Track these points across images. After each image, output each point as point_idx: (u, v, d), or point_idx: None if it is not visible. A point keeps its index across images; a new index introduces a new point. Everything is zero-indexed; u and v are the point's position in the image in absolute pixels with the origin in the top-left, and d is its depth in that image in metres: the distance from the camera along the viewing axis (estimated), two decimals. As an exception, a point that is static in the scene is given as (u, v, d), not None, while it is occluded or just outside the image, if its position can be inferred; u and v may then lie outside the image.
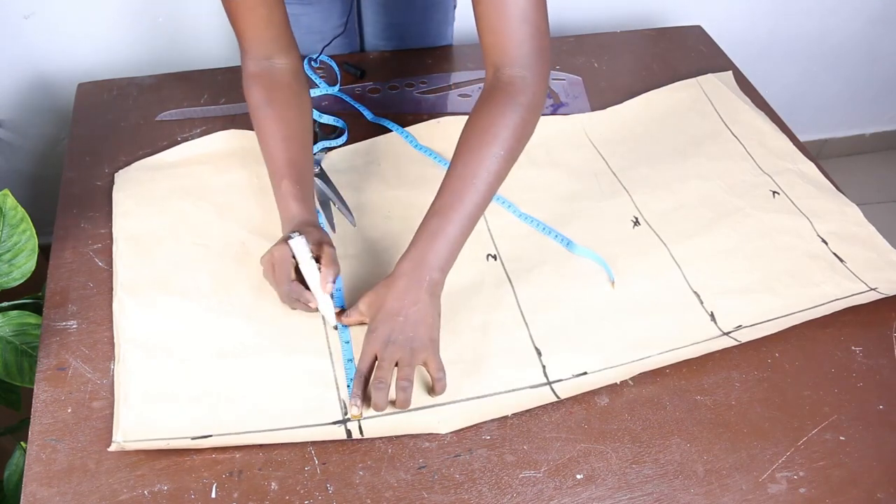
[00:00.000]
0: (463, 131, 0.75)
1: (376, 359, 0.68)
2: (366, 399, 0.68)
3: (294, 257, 0.73)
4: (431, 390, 0.70)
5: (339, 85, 1.06)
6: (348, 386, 0.70)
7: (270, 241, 0.82)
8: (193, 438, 0.66)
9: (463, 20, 1.18)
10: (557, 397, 0.71)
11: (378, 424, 0.68)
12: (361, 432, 0.67)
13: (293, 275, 0.74)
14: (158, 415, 0.67)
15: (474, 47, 1.18)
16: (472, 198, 0.72)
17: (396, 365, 0.68)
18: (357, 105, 1.04)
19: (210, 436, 0.66)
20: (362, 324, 0.74)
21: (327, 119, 0.99)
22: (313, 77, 1.07)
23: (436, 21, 1.15)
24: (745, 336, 0.77)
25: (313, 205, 0.80)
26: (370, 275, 0.81)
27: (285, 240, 0.74)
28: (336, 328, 0.75)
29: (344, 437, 0.67)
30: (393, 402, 0.68)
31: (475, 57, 1.15)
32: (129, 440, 0.65)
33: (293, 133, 0.82)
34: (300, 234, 0.73)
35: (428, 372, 0.70)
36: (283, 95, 0.83)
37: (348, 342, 0.74)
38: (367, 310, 0.72)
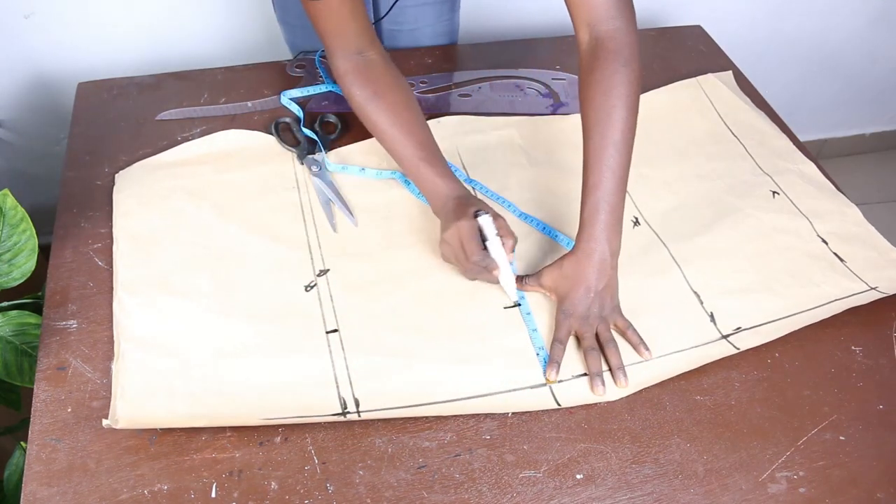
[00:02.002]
0: (583, 102, 0.78)
1: (572, 332, 0.75)
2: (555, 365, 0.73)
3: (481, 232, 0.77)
4: (636, 348, 0.75)
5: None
6: (538, 354, 0.75)
7: (270, 241, 0.83)
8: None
9: (465, 19, 1.18)
10: (558, 404, 0.72)
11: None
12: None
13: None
14: (155, 409, 0.67)
15: (474, 47, 1.18)
16: (619, 164, 0.76)
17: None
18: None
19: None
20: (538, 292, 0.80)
21: (309, 133, 0.98)
22: (322, 73, 1.07)
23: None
24: (744, 343, 0.77)
25: (458, 179, 0.83)
26: (371, 274, 0.81)
27: (471, 217, 0.76)
28: (517, 304, 0.79)
29: (341, 417, 0.68)
30: (608, 365, 0.74)
31: (475, 57, 1.15)
32: (125, 419, 0.65)
33: (411, 117, 0.85)
34: (485, 211, 0.77)
35: (619, 330, 0.76)
36: (387, 84, 0.85)
37: (529, 314, 0.78)
38: (553, 285, 0.78)
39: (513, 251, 0.78)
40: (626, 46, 0.77)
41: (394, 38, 1.16)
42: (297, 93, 1.04)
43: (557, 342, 0.74)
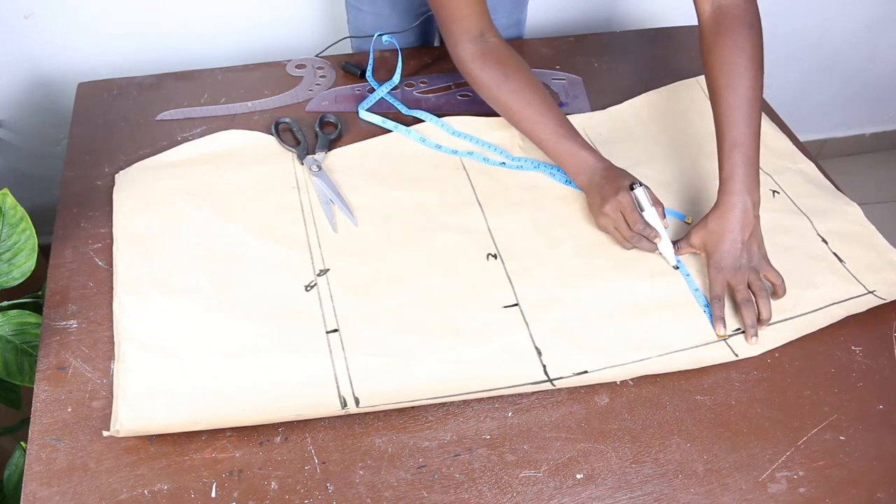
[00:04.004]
0: (711, 66, 0.83)
1: (726, 285, 0.79)
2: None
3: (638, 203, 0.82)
4: (774, 294, 0.80)
5: (399, 77, 1.07)
6: (705, 311, 0.79)
7: (270, 241, 0.83)
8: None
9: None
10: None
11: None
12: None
13: None
14: (157, 412, 0.67)
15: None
16: (753, 121, 0.80)
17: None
18: (392, 100, 1.04)
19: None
20: (694, 253, 0.85)
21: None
22: (370, 69, 1.09)
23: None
24: (744, 351, 0.77)
25: (597, 151, 0.87)
26: (371, 274, 0.81)
27: (628, 189, 0.82)
28: (676, 267, 0.83)
29: (338, 406, 0.69)
30: (759, 316, 0.77)
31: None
32: (125, 428, 0.65)
33: (543, 97, 0.89)
34: (639, 183, 0.82)
35: (770, 281, 0.80)
36: (514, 66, 0.89)
37: (689, 275, 0.83)
38: (701, 242, 0.82)
39: (664, 216, 0.83)
40: (749, 13, 0.82)
41: None
42: (372, 99, 1.04)
43: (716, 299, 0.78)
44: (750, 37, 0.81)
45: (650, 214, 0.82)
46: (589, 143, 0.99)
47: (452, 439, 0.69)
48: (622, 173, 0.85)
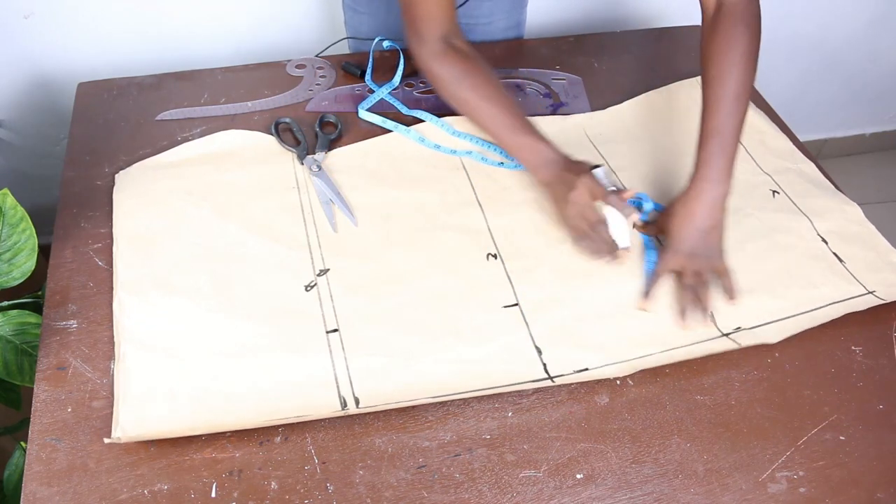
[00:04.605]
0: (704, 59, 0.84)
1: (675, 269, 0.80)
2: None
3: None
4: (727, 294, 0.79)
5: (399, 79, 1.07)
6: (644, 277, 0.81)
7: (270, 241, 0.83)
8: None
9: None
10: (552, 381, 0.73)
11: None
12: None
13: None
14: (158, 412, 0.67)
15: (474, 47, 1.17)
16: (737, 113, 0.81)
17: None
18: (392, 100, 1.04)
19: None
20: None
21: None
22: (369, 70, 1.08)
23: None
24: (745, 340, 0.77)
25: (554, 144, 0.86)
26: (371, 274, 0.81)
27: (588, 171, 0.81)
28: (626, 248, 0.82)
29: (338, 406, 0.69)
30: (701, 305, 0.78)
31: (475, 57, 1.15)
32: (127, 435, 0.65)
33: (500, 92, 0.88)
34: (598, 165, 0.83)
35: (718, 272, 0.80)
36: (476, 64, 0.88)
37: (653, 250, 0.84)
38: (663, 224, 0.83)
39: (624, 201, 0.82)
40: (749, 11, 0.82)
41: (469, 32, 1.17)
42: (372, 99, 1.04)
43: (657, 276, 0.80)
44: (746, 34, 0.81)
45: (610, 193, 0.81)
46: (589, 142, 0.99)
47: (452, 439, 0.69)
48: (580, 161, 0.84)
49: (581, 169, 0.82)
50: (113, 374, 0.71)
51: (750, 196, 0.93)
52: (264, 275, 0.80)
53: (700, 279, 0.79)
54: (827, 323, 0.80)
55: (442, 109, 1.04)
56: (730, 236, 0.87)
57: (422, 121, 1.01)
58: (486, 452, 0.68)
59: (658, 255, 0.83)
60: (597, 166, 0.82)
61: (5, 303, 0.87)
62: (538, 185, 0.88)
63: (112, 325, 0.75)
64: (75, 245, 0.83)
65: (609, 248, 0.81)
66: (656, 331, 0.77)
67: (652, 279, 0.80)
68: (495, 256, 0.84)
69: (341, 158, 0.95)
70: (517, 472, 0.67)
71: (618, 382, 0.74)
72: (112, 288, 0.78)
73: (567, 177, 0.82)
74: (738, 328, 0.78)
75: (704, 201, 0.80)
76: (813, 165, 0.99)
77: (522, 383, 0.72)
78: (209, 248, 0.82)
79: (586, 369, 0.73)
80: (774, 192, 0.94)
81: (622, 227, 0.81)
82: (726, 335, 0.77)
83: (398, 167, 0.94)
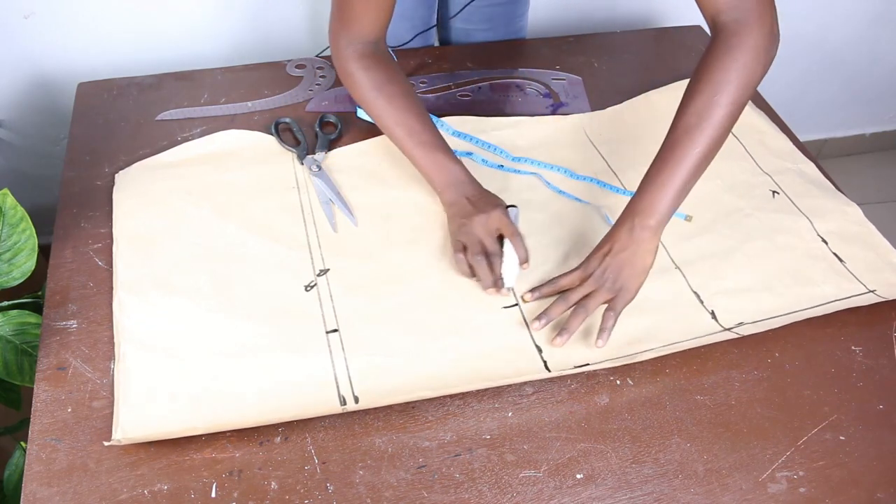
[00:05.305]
0: (689, 83, 0.78)
1: (572, 282, 0.77)
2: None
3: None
4: (601, 331, 0.74)
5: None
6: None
7: (270, 241, 0.83)
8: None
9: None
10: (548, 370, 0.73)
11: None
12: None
13: None
14: (158, 413, 0.67)
15: (474, 47, 1.18)
16: (694, 148, 0.74)
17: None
18: None
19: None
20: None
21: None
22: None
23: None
24: (747, 330, 0.77)
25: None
26: (371, 274, 0.81)
27: (504, 208, 0.81)
28: (510, 288, 0.80)
29: (337, 405, 0.69)
30: (567, 326, 0.74)
31: (475, 57, 1.15)
32: (128, 437, 0.65)
33: (420, 108, 0.86)
34: (514, 206, 0.83)
35: (608, 311, 0.74)
36: (396, 75, 0.87)
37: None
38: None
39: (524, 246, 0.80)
40: (741, 36, 0.76)
41: (468, 36, 1.17)
42: None
43: (551, 282, 0.78)
44: (728, 60, 0.75)
45: (517, 235, 0.80)
46: (589, 142, 0.99)
47: (452, 439, 0.69)
48: (494, 195, 0.83)
49: (498, 202, 0.81)
50: (113, 374, 0.71)
51: (750, 196, 0.93)
52: (264, 275, 0.80)
53: (585, 302, 0.75)
54: (827, 323, 0.80)
55: (442, 109, 1.04)
56: (730, 236, 0.88)
57: (422, 121, 1.01)
58: (486, 452, 0.68)
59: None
60: (512, 206, 0.84)
61: (5, 303, 0.87)
62: (443, 205, 0.85)
63: (112, 325, 0.75)
64: (75, 245, 0.83)
65: (493, 280, 0.78)
66: (656, 328, 0.77)
67: (552, 283, 0.78)
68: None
69: (341, 158, 0.96)
70: (517, 472, 0.67)
71: (618, 382, 0.74)
72: (112, 288, 0.78)
73: (479, 202, 0.81)
74: (741, 323, 0.78)
75: (621, 231, 0.76)
76: (813, 165, 0.99)
77: (522, 377, 0.72)
78: (209, 248, 0.82)
79: (587, 364, 0.73)
80: (774, 192, 0.94)
81: (513, 268, 0.79)
82: (728, 329, 0.77)
83: (398, 167, 0.94)
